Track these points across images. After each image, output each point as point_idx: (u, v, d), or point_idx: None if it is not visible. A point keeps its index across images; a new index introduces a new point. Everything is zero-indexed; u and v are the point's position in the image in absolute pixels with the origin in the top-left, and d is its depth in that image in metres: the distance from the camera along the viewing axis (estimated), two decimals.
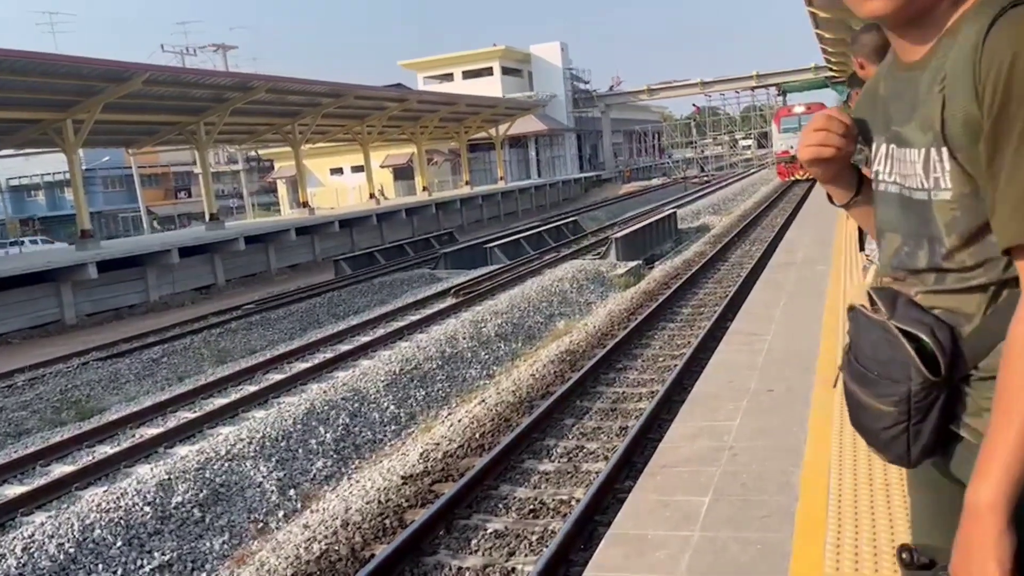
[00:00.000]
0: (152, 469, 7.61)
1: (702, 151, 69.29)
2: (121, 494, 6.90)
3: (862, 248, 4.98)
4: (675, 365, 9.41)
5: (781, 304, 7.69)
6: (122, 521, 6.57)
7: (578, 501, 6.01)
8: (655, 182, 56.66)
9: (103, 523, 6.51)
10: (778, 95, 58.56)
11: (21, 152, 28.77)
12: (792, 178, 37.44)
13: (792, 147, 34.57)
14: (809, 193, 22.70)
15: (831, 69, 40.82)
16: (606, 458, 6.90)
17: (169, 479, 7.18)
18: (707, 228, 25.63)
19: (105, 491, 7.10)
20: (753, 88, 58.78)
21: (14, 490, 7.73)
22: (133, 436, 9.14)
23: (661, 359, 10.13)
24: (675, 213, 26.42)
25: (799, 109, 37.70)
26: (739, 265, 16.81)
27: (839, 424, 4.04)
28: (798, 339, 5.93)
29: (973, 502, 1.14)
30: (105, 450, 8.67)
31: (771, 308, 7.57)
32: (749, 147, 68.77)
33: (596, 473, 6.57)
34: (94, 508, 6.68)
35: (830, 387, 4.56)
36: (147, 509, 6.75)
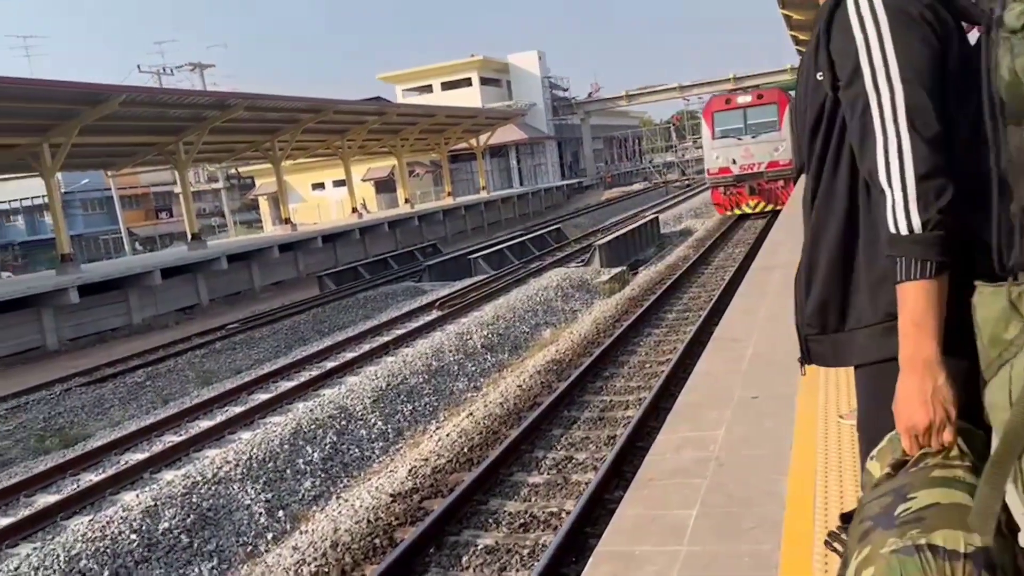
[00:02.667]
0: (138, 496, 7.52)
1: (682, 155, 69.65)
2: (107, 522, 6.83)
3: None
4: (662, 371, 9.43)
5: (764, 308, 7.72)
6: (108, 550, 6.49)
7: (568, 513, 6.00)
8: (636, 187, 56.85)
9: (89, 553, 6.43)
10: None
11: None
12: (735, 212, 24.29)
13: (736, 160, 23.52)
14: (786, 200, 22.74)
15: None
16: (595, 468, 6.89)
17: (155, 505, 7.11)
18: (690, 232, 25.74)
19: (91, 520, 7.02)
20: (732, 91, 59.10)
21: None
22: (118, 462, 9.04)
23: (648, 366, 10.15)
24: (657, 218, 26.53)
25: (744, 99, 24.33)
26: (722, 268, 16.89)
27: (824, 430, 4.05)
28: (782, 343, 5.93)
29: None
30: (90, 478, 8.57)
31: (754, 312, 7.60)
32: None
33: (586, 484, 6.56)
34: (80, 538, 6.60)
35: (815, 393, 4.58)
36: (133, 537, 6.68)
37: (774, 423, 4.28)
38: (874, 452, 1.49)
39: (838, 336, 1.63)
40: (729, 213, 24.54)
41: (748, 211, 24.06)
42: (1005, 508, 1.27)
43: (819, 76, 1.58)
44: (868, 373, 1.60)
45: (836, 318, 1.62)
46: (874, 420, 1.57)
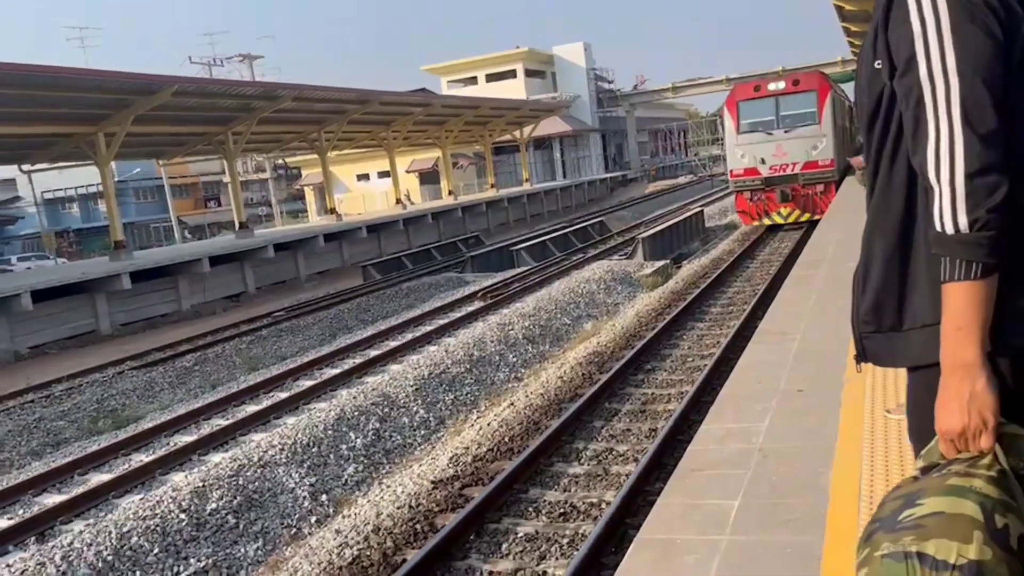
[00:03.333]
0: (187, 476, 7.72)
1: None
2: (157, 501, 7.02)
3: None
4: (704, 365, 9.36)
5: (811, 302, 7.62)
6: (159, 528, 6.67)
7: (608, 504, 6.00)
8: (682, 180, 56.33)
9: (140, 531, 6.61)
10: None
11: (55, 166, 29.33)
12: (764, 222, 20.62)
13: (764, 159, 19.83)
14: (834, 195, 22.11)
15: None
16: (636, 460, 6.88)
17: (203, 486, 7.28)
18: (735, 226, 25.41)
19: (142, 499, 7.22)
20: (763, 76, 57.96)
21: (53, 499, 7.88)
22: (168, 444, 9.27)
23: (690, 359, 10.08)
24: (702, 211, 26.28)
25: (776, 85, 20.18)
26: (768, 263, 16.66)
27: (870, 424, 3.99)
28: (828, 338, 5.86)
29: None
30: (141, 458, 8.81)
31: (801, 306, 7.50)
32: None
33: (626, 476, 6.55)
34: (131, 516, 6.79)
35: (861, 387, 4.51)
36: (183, 516, 6.85)
37: (819, 416, 4.23)
38: (923, 451, 1.48)
39: (894, 335, 1.58)
40: (756, 223, 20.64)
41: (780, 221, 20.33)
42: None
43: (877, 64, 1.53)
44: (925, 373, 1.55)
45: (893, 316, 1.57)
46: (926, 420, 1.54)
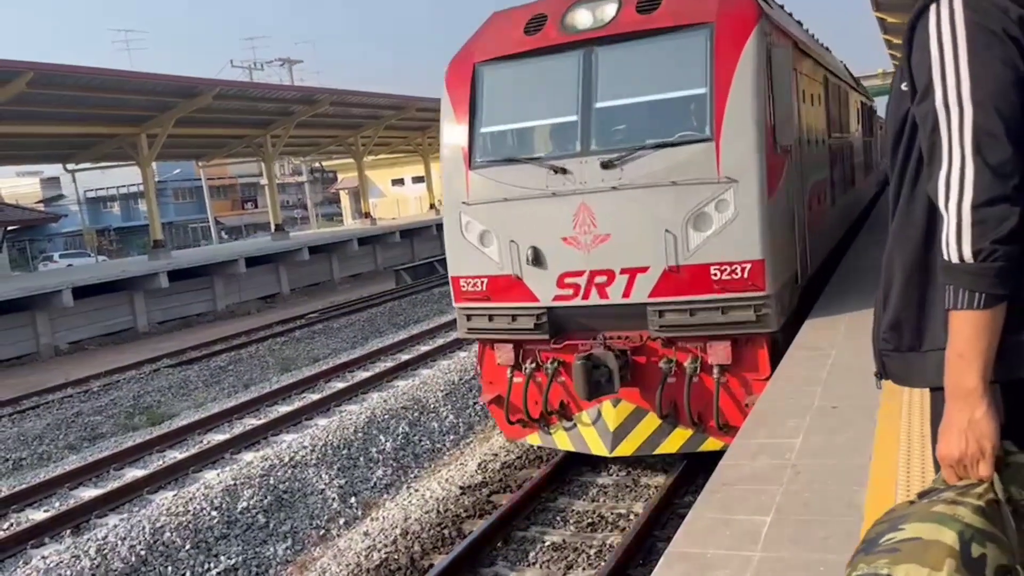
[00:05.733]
0: (219, 474, 7.82)
1: None
2: (190, 498, 7.12)
3: None
4: None
5: (846, 317, 7.51)
6: (190, 525, 6.77)
7: (637, 515, 5.97)
8: None
9: (173, 526, 6.71)
10: None
11: (98, 166, 29.93)
12: (552, 437, 6.60)
13: (542, 251, 6.10)
14: (876, 201, 21.66)
15: None
16: (665, 472, 6.84)
17: (235, 485, 7.37)
18: None
19: (175, 495, 7.32)
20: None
21: (89, 493, 8.04)
22: (201, 442, 9.40)
23: None
24: None
25: (595, 16, 5.96)
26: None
27: (906, 442, 3.93)
28: (863, 355, 5.76)
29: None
30: (175, 455, 8.95)
31: (836, 321, 7.40)
32: None
33: (655, 487, 6.52)
34: (164, 512, 6.90)
35: (897, 405, 4.44)
36: (214, 514, 6.94)
37: (854, 433, 4.18)
38: (937, 475, 1.49)
39: (912, 355, 1.59)
40: (530, 439, 6.94)
41: (598, 448, 6.48)
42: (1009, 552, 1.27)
43: (904, 86, 1.54)
44: (942, 396, 1.54)
45: (912, 337, 1.58)
46: None
